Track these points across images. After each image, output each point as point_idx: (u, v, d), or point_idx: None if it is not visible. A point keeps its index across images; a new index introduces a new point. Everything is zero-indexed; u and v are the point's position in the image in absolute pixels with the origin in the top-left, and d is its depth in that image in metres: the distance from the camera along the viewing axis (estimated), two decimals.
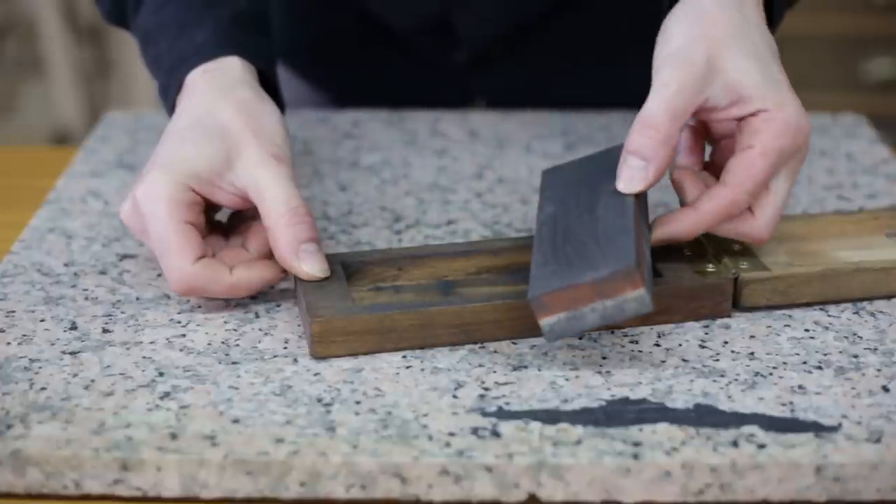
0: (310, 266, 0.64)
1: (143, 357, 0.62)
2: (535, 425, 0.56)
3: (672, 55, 0.64)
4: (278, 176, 0.65)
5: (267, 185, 0.65)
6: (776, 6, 0.71)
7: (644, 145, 0.63)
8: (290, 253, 0.64)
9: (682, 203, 0.66)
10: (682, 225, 0.65)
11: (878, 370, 0.61)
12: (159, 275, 0.69)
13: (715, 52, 0.64)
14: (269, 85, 0.72)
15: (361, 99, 0.98)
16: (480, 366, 0.61)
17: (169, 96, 0.71)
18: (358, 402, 0.58)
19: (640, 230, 0.62)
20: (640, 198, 0.64)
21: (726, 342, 0.63)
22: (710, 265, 0.66)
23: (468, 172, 0.84)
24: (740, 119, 0.65)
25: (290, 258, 0.64)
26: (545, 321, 0.59)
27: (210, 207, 0.68)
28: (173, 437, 0.55)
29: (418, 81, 0.98)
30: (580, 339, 0.63)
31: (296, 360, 0.61)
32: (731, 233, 0.65)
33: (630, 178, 0.63)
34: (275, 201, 0.65)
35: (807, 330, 0.64)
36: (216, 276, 0.64)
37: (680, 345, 0.63)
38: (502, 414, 0.57)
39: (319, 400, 0.58)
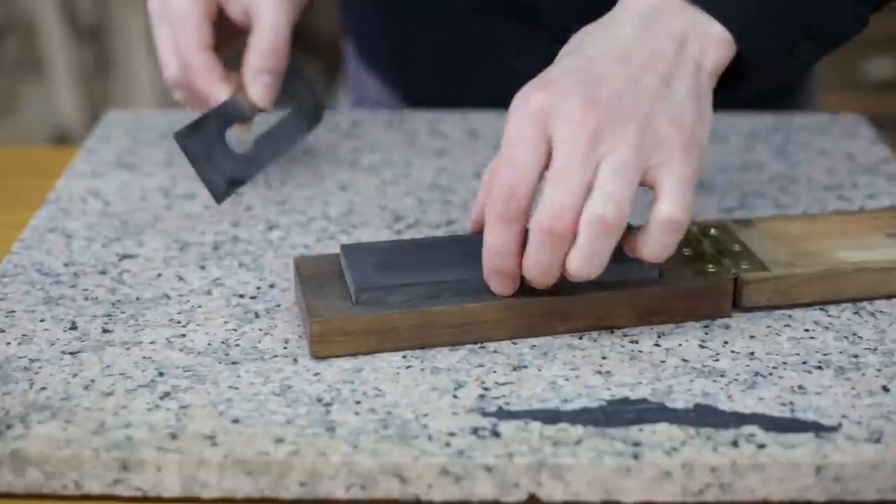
0: (256, 91, 0.74)
1: (143, 357, 0.62)
2: (535, 425, 0.56)
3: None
4: (276, 5, 0.75)
5: (265, 11, 0.75)
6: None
7: None
8: (250, 74, 0.74)
9: None
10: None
11: (878, 370, 0.61)
12: (159, 275, 0.69)
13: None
14: None
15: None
16: (480, 366, 0.61)
17: None
18: (358, 402, 0.58)
19: None
20: None
21: (726, 342, 0.63)
22: (710, 265, 0.66)
23: (468, 172, 0.84)
24: None
25: (249, 78, 0.74)
26: None
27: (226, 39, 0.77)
28: (173, 437, 0.55)
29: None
30: (580, 338, 0.63)
31: (296, 360, 0.61)
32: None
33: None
34: (264, 26, 0.74)
35: (807, 330, 0.64)
36: (213, 69, 0.74)
37: (680, 345, 0.63)
38: (502, 414, 0.57)
39: (319, 400, 0.58)
